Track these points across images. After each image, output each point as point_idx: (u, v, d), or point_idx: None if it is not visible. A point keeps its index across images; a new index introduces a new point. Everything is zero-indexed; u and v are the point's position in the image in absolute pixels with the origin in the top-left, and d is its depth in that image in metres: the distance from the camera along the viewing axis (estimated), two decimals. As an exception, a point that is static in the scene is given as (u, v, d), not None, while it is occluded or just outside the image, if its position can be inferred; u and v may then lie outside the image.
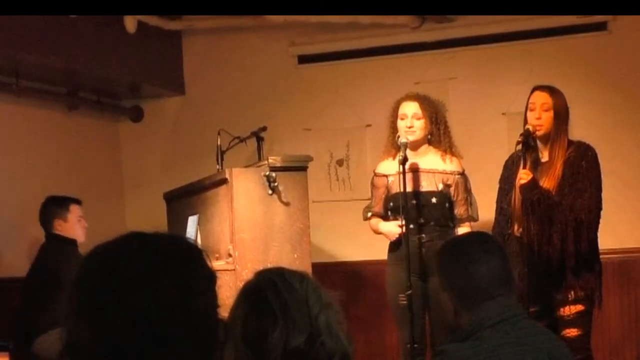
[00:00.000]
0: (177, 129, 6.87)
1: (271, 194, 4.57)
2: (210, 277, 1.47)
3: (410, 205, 4.61)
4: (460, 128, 5.33)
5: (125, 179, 6.96)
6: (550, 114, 4.33)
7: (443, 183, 4.70)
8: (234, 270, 4.46)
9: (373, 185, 4.90)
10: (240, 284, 1.97)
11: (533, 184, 4.26)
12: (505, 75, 6.03)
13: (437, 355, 2.45)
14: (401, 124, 4.68)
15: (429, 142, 4.74)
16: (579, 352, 4.16)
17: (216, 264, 3.93)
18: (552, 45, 5.95)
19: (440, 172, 4.71)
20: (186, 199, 5.37)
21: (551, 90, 4.39)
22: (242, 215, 4.56)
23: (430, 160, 4.72)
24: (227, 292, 3.90)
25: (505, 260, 2.53)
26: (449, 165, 4.72)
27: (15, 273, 5.48)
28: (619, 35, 5.84)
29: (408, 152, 4.59)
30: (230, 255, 4.54)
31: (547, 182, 4.31)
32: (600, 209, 4.35)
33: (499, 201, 4.55)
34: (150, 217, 6.18)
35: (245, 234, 4.55)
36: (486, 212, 4.78)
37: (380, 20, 6.05)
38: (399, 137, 4.62)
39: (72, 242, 5.16)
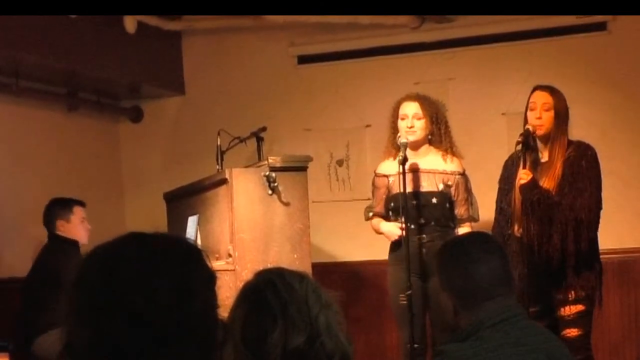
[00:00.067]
0: (177, 129, 6.87)
1: (271, 194, 4.57)
2: (210, 277, 1.47)
3: (410, 205, 4.61)
4: (460, 128, 5.32)
5: (125, 179, 6.95)
6: (551, 113, 4.33)
7: (443, 183, 4.70)
8: (233, 270, 4.46)
9: (374, 185, 4.90)
10: (240, 284, 1.97)
11: (533, 184, 4.26)
12: (505, 76, 6.02)
13: (437, 355, 2.45)
14: (402, 124, 4.67)
15: (430, 142, 4.74)
16: (579, 352, 4.16)
17: (216, 264, 3.93)
18: (552, 45, 5.95)
19: (441, 173, 4.71)
20: (186, 199, 5.37)
21: (552, 90, 4.40)
22: (242, 216, 4.56)
23: (430, 161, 4.72)
24: (227, 293, 3.89)
25: (505, 260, 2.53)
26: (450, 165, 4.71)
27: (16, 273, 5.49)
28: (618, 35, 5.83)
29: (409, 152, 4.59)
30: (230, 256, 4.54)
31: (547, 182, 4.31)
32: (600, 208, 4.35)
33: (499, 201, 4.55)
34: (150, 218, 6.18)
35: (245, 234, 4.55)
36: (486, 212, 4.78)
37: (380, 20, 6.04)
38: (399, 137, 4.62)
39: (74, 243, 5.16)
